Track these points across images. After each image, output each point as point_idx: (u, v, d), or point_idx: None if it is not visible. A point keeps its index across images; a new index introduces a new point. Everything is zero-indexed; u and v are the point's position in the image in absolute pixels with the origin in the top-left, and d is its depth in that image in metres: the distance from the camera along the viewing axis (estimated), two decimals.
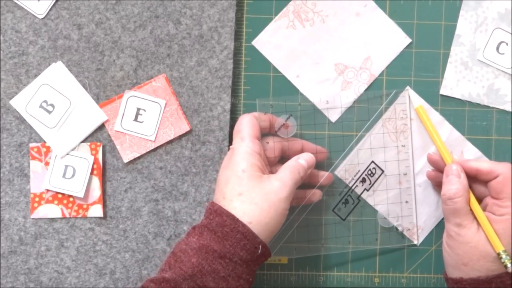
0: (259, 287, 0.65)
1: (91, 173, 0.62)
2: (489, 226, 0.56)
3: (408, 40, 0.65)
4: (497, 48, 0.64)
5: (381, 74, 0.65)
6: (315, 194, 0.63)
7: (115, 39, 0.63)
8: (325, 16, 0.64)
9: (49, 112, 0.62)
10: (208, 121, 0.63)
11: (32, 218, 0.62)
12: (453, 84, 0.65)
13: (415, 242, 0.64)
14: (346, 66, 0.64)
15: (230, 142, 0.62)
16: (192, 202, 0.63)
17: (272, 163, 0.61)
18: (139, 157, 0.63)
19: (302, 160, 0.58)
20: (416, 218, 0.64)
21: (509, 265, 0.55)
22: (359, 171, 0.64)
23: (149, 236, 0.63)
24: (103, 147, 0.63)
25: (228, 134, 0.63)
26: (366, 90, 0.65)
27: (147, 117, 0.63)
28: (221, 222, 0.53)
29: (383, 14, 0.64)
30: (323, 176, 0.63)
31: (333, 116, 0.65)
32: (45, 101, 0.62)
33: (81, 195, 0.62)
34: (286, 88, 0.65)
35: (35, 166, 0.62)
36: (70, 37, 0.62)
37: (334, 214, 0.64)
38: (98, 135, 0.63)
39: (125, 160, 0.63)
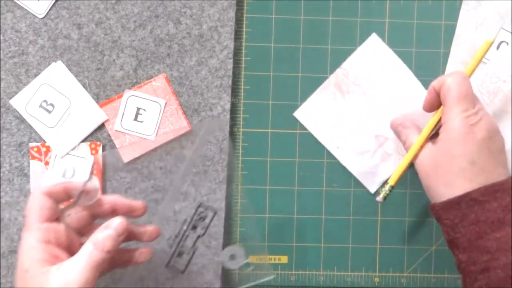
0: (259, 287, 0.65)
1: (91, 173, 0.62)
2: (408, 156, 0.57)
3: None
4: (497, 48, 0.64)
5: None
6: (142, 254, 0.56)
7: (115, 39, 0.63)
8: (366, 89, 0.64)
9: (49, 111, 0.62)
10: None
11: None
12: None
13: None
14: (386, 138, 0.64)
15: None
16: (192, 202, 0.63)
17: (85, 231, 0.55)
18: (139, 157, 0.63)
19: (110, 229, 0.50)
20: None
21: (380, 196, 0.58)
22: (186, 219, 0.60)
23: None
24: (103, 146, 0.63)
25: (228, 134, 0.63)
26: None
27: (147, 116, 0.63)
28: None
29: (419, 85, 0.64)
30: (148, 231, 0.57)
31: (372, 187, 0.65)
32: (45, 101, 0.62)
33: None
34: (285, 88, 0.65)
35: (35, 165, 0.62)
36: (70, 37, 0.62)
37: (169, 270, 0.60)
38: (98, 135, 0.63)
39: (125, 160, 0.63)
